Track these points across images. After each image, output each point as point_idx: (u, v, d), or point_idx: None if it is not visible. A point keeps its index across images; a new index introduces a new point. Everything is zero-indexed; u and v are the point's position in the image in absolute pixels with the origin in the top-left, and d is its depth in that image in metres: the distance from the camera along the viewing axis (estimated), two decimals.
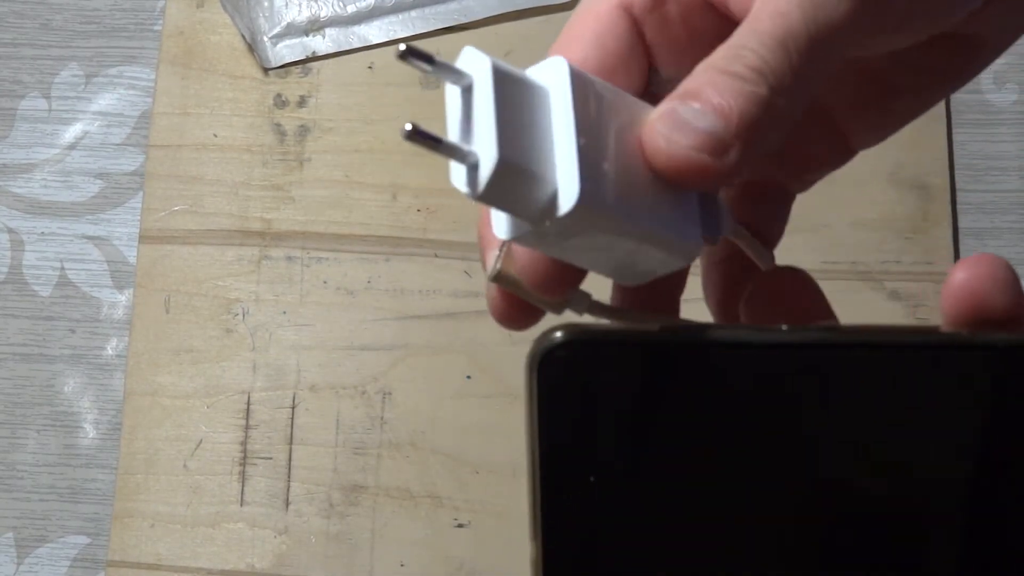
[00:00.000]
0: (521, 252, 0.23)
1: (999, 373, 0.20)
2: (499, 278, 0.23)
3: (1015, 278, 0.20)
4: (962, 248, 0.55)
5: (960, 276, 0.20)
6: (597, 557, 0.20)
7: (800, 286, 0.23)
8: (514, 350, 0.54)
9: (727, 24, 0.22)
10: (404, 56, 0.20)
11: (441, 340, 0.55)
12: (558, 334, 0.20)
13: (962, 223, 0.55)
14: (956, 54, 0.25)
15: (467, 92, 0.21)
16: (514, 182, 0.20)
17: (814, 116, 0.26)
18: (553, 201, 0.20)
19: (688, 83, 0.21)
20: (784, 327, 0.20)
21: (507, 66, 0.20)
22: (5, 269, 0.58)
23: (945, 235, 0.55)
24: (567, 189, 0.20)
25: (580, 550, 0.20)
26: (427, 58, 0.20)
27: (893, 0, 0.21)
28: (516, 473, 0.53)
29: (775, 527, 0.20)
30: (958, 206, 0.56)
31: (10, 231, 0.58)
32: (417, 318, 0.55)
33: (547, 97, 0.21)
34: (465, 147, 0.20)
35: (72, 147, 0.59)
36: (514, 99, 0.20)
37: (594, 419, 0.20)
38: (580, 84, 0.20)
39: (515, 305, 0.24)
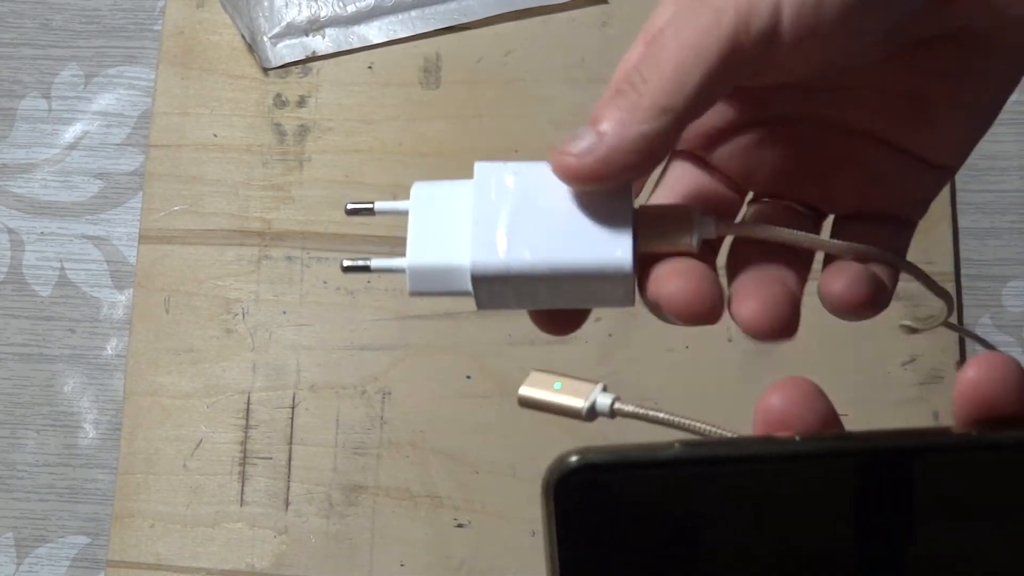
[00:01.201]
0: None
1: (1010, 470, 0.20)
2: (523, 402, 0.26)
3: (1023, 377, 0.21)
4: (962, 248, 0.55)
5: (971, 375, 0.20)
6: None
7: (811, 397, 0.24)
8: (514, 350, 0.54)
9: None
10: (351, 213, 0.28)
11: (441, 340, 0.55)
12: (572, 459, 0.20)
13: (962, 223, 0.55)
14: (965, 53, 0.25)
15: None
16: (430, 276, 0.26)
17: (888, 152, 0.27)
18: (466, 275, 0.25)
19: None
20: (797, 438, 0.21)
21: (436, 182, 0.27)
22: (5, 269, 0.58)
23: (945, 235, 0.55)
24: (466, 264, 0.25)
25: None
26: (367, 210, 0.28)
27: (771, 17, 0.23)
28: (516, 473, 0.53)
29: None
30: (958, 206, 0.56)
31: (10, 231, 0.58)
32: (417, 318, 0.55)
33: (468, 193, 0.26)
34: (394, 264, 0.26)
35: (72, 147, 0.59)
36: (435, 206, 0.26)
37: (611, 540, 0.20)
38: (487, 176, 0.26)
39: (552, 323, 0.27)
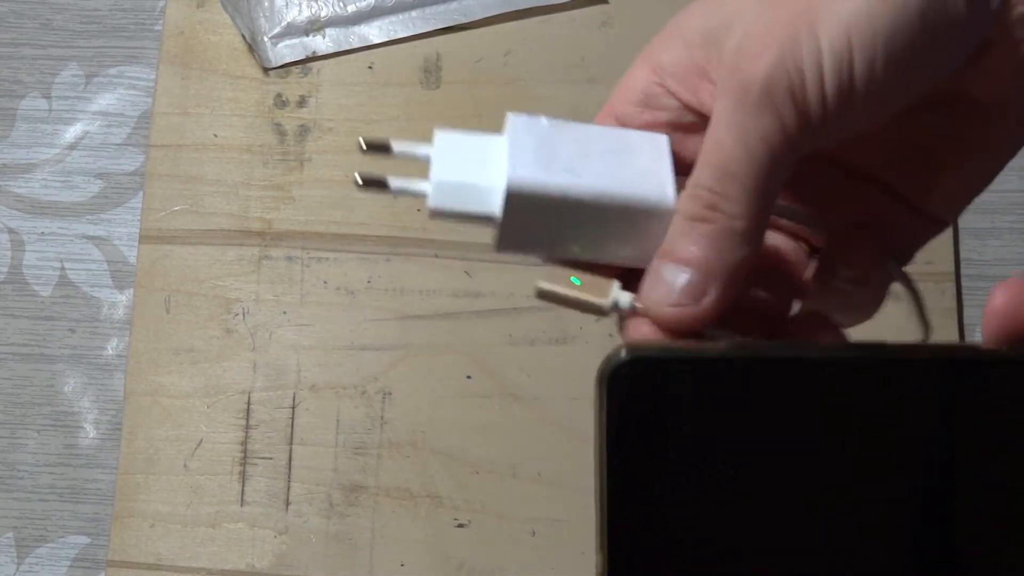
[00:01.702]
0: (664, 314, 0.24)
1: None
2: (542, 295, 0.25)
3: None
4: (962, 248, 0.55)
5: (999, 299, 0.22)
6: (662, 569, 0.21)
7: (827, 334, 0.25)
8: (514, 350, 0.54)
9: None
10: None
11: (441, 340, 0.55)
12: (624, 353, 0.21)
13: (962, 223, 0.55)
14: (974, 120, 0.26)
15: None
16: (457, 194, 0.25)
17: (888, 199, 0.27)
18: (497, 195, 0.24)
19: (667, 239, 0.24)
20: (837, 344, 0.22)
21: (460, 130, 0.26)
22: (5, 269, 0.58)
23: (945, 235, 0.55)
24: (501, 180, 0.24)
25: (645, 561, 0.21)
26: (384, 148, 0.26)
27: (820, 102, 0.23)
28: (516, 473, 0.53)
29: (837, 537, 0.21)
30: None
31: (10, 231, 0.58)
32: (417, 318, 0.55)
33: (495, 140, 0.26)
34: (412, 185, 0.25)
35: (72, 147, 0.59)
36: (459, 147, 0.25)
37: (660, 434, 0.21)
38: (521, 121, 0.25)
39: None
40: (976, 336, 0.54)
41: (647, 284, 0.24)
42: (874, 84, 0.23)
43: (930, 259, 0.54)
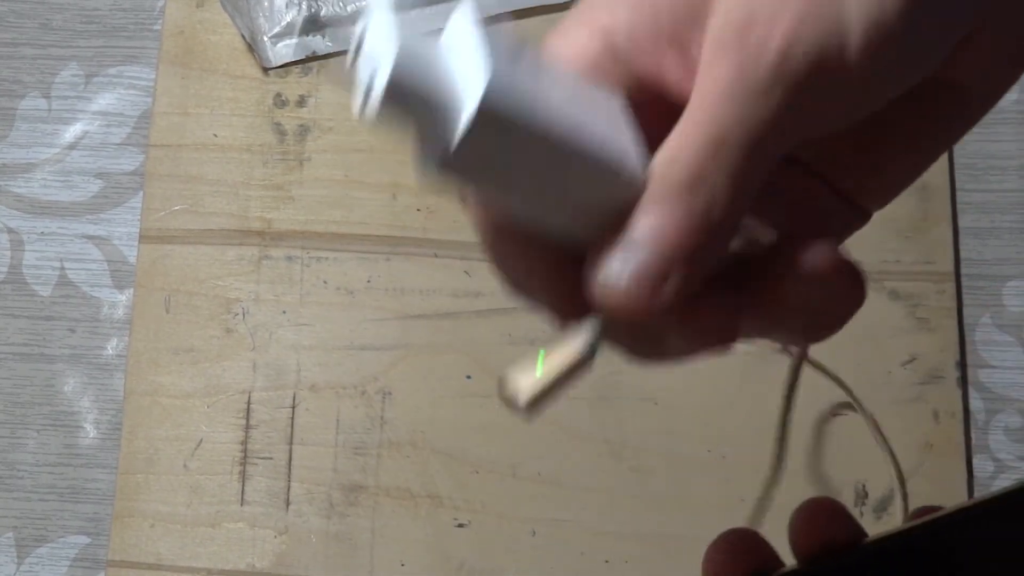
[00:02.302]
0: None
1: None
2: (533, 404, 0.21)
3: (847, 512, 0.23)
4: (962, 248, 0.55)
5: (800, 516, 0.23)
6: None
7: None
8: (514, 350, 0.54)
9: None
10: None
11: (441, 340, 0.55)
12: None
13: (962, 223, 0.55)
14: (942, 105, 0.24)
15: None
16: (424, 72, 0.20)
17: (816, 185, 0.26)
18: (459, 109, 0.20)
19: (636, 213, 0.21)
20: None
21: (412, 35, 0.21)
22: (5, 269, 0.58)
23: (945, 235, 0.55)
24: (475, 87, 0.19)
25: None
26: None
27: (825, 87, 0.21)
28: (516, 473, 0.53)
29: None
30: (958, 206, 0.56)
31: (10, 231, 0.58)
32: (417, 318, 0.55)
33: (454, 30, 0.21)
34: (365, 41, 0.20)
35: (72, 147, 0.59)
36: (415, 41, 0.20)
37: None
38: (487, 25, 0.21)
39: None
40: (976, 336, 0.54)
41: (597, 262, 0.21)
42: (907, 52, 0.21)
43: (930, 259, 0.54)
